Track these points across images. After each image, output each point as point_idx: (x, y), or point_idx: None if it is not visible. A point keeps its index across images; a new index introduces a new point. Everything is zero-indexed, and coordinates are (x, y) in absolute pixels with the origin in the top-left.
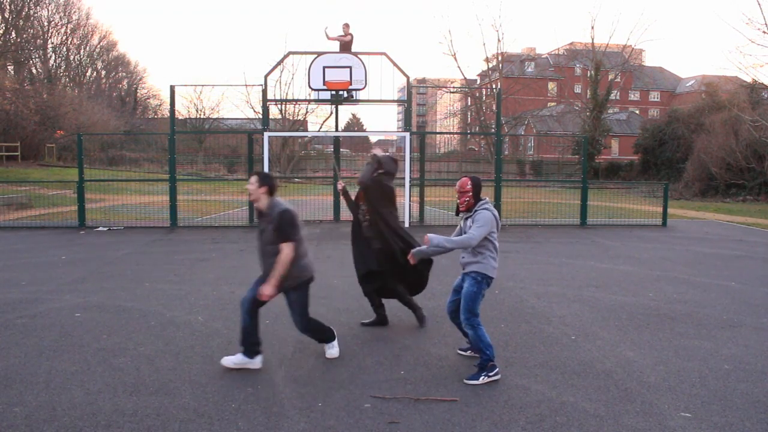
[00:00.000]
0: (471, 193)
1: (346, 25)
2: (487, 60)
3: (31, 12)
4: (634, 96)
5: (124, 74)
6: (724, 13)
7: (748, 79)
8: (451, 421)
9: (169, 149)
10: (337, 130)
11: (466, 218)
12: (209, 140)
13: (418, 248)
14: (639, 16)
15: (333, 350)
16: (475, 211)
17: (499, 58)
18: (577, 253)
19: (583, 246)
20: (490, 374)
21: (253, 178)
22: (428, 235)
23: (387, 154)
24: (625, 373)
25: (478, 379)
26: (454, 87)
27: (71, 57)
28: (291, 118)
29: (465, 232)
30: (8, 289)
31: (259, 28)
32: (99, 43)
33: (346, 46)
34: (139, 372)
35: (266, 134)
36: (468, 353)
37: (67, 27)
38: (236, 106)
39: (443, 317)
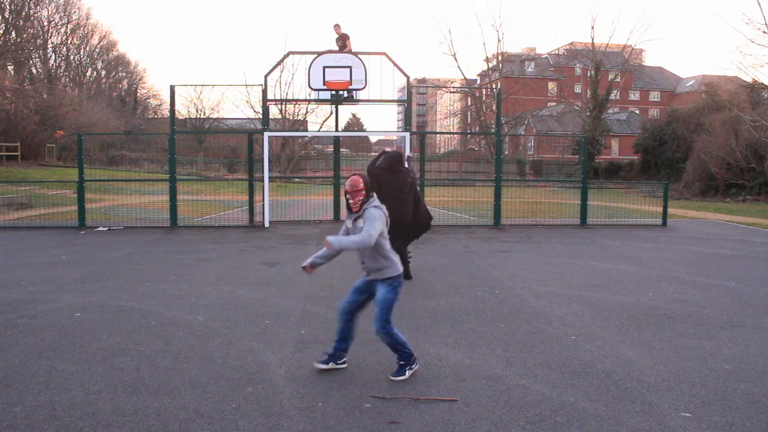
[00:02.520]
0: (364, 192)
1: (338, 26)
2: (487, 60)
3: (31, 12)
4: (634, 96)
5: (124, 74)
6: (724, 13)
7: (748, 79)
8: (451, 421)
9: (169, 149)
10: (337, 130)
11: (355, 219)
12: (209, 140)
13: (318, 255)
14: (639, 16)
15: None
16: (364, 210)
17: (499, 58)
18: (577, 253)
19: (583, 246)
20: (413, 366)
21: None
22: (328, 238)
23: (393, 150)
24: (625, 373)
25: (404, 374)
26: (454, 87)
27: (71, 57)
28: (291, 118)
29: (353, 234)
30: (8, 289)
31: (259, 28)
32: (99, 43)
33: (344, 46)
34: (139, 372)
35: (266, 134)
36: (330, 365)
37: (67, 27)
38: (236, 106)
39: (443, 317)
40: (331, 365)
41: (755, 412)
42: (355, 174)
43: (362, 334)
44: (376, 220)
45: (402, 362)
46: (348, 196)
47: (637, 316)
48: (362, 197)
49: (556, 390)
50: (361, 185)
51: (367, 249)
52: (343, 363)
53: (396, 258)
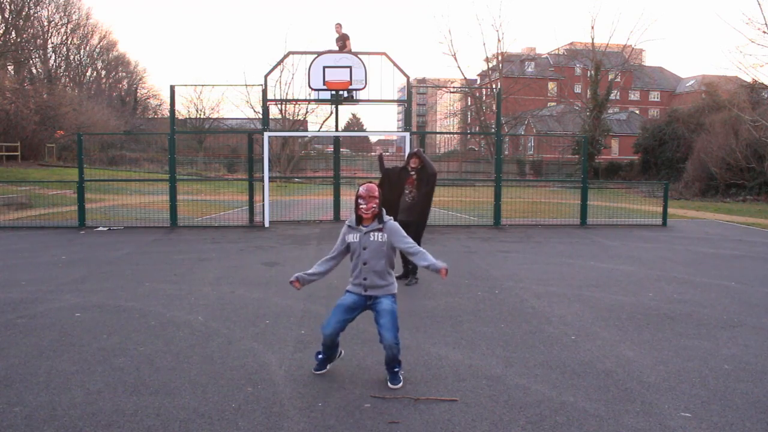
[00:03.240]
0: (378, 201)
1: (339, 25)
2: (487, 60)
3: (31, 12)
4: (634, 96)
5: (124, 74)
6: (724, 13)
7: (748, 79)
8: (451, 421)
9: (169, 149)
10: (337, 130)
11: (367, 232)
12: (209, 140)
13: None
14: (639, 16)
15: None
16: (385, 223)
17: (499, 58)
18: (577, 253)
19: (583, 246)
20: (401, 369)
21: None
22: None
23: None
24: (625, 373)
25: (401, 379)
26: (454, 87)
27: (71, 57)
28: (291, 118)
29: (365, 248)
30: (8, 289)
31: (259, 28)
32: (99, 43)
33: (344, 46)
34: (139, 372)
35: (266, 134)
36: (328, 368)
37: (67, 27)
38: (236, 106)
39: (442, 316)
40: (329, 367)
41: (755, 412)
42: (371, 183)
43: (362, 334)
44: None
45: (396, 369)
46: (361, 201)
47: (637, 316)
48: (375, 205)
49: (556, 390)
50: (377, 193)
51: (379, 265)
52: (339, 355)
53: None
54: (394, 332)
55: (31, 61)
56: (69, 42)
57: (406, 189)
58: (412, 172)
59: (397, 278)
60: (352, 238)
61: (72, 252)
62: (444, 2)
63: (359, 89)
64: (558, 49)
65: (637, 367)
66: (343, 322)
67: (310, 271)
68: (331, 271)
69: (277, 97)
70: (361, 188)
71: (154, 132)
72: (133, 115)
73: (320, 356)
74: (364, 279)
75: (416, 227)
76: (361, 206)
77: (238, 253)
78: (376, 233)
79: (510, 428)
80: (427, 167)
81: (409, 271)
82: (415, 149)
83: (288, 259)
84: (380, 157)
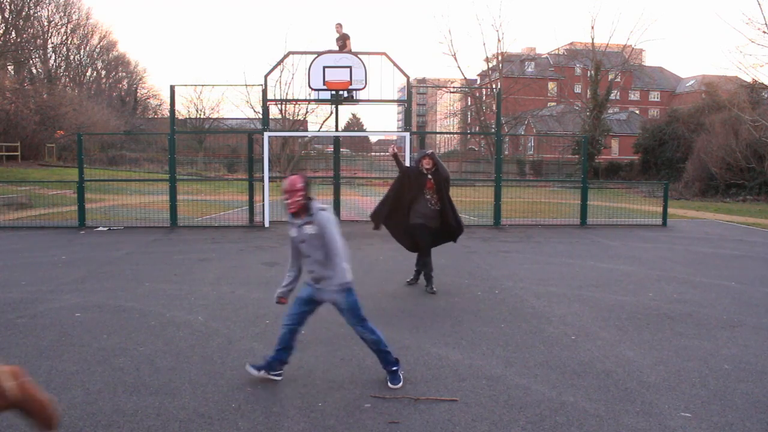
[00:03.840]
0: (302, 193)
1: (339, 25)
2: (487, 60)
3: (31, 12)
4: (634, 96)
5: (124, 74)
6: (724, 13)
7: (748, 79)
8: (451, 421)
9: (169, 149)
10: (337, 130)
11: (301, 225)
12: (209, 140)
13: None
14: (639, 16)
15: None
16: (312, 214)
17: (499, 58)
18: (577, 253)
19: (583, 246)
20: (401, 367)
21: None
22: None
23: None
24: (625, 373)
25: (400, 378)
26: (454, 87)
27: (71, 57)
28: (291, 118)
29: (303, 241)
30: (8, 289)
31: (259, 28)
32: (99, 43)
33: (344, 46)
34: (139, 372)
35: (266, 134)
36: (261, 373)
37: (67, 27)
38: (236, 106)
39: (442, 316)
40: (262, 373)
41: (755, 412)
42: (295, 174)
43: None
44: (335, 225)
45: (394, 368)
46: (285, 196)
47: (637, 316)
48: (300, 198)
49: (556, 390)
50: (299, 185)
51: (318, 255)
52: (278, 375)
53: (344, 262)
54: (361, 324)
55: (31, 61)
56: (69, 42)
57: (426, 194)
58: (429, 176)
59: (407, 283)
60: (293, 232)
61: (72, 252)
62: (444, 2)
63: (359, 89)
64: (558, 49)
65: (637, 367)
66: (301, 314)
67: (285, 284)
68: (300, 269)
69: (277, 97)
70: (284, 183)
71: (154, 132)
72: (133, 115)
73: (272, 356)
74: (311, 271)
75: (455, 231)
76: (286, 201)
77: (238, 253)
78: (307, 226)
79: (510, 428)
80: (440, 170)
81: (426, 276)
82: (429, 151)
83: (288, 259)
84: (396, 156)
